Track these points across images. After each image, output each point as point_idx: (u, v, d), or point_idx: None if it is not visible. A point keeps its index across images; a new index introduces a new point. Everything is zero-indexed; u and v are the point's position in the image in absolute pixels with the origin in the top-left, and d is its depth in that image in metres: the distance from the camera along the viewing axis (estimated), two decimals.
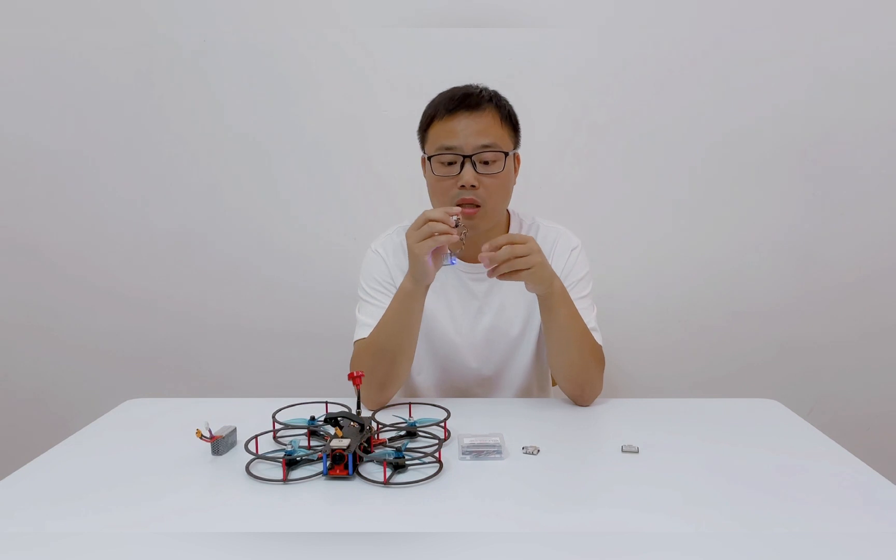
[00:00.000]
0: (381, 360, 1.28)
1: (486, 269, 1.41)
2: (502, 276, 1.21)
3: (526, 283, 1.25)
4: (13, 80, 1.93)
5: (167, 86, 1.93)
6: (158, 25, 1.89)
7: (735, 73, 1.88)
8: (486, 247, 1.20)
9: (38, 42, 1.91)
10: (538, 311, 1.36)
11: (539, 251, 1.22)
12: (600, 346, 1.36)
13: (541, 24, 1.87)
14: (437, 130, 1.32)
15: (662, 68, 1.89)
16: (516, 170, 1.41)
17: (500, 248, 1.19)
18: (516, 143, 1.38)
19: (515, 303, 1.43)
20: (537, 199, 1.48)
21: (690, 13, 1.86)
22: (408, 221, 1.48)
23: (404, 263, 1.44)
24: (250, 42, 1.90)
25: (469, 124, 1.29)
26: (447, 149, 1.30)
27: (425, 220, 1.21)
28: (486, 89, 1.35)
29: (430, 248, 1.21)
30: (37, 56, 1.92)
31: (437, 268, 1.26)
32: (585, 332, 1.32)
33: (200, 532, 0.85)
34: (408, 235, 1.24)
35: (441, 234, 1.19)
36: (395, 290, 1.41)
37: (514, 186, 1.41)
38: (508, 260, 1.19)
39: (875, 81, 1.88)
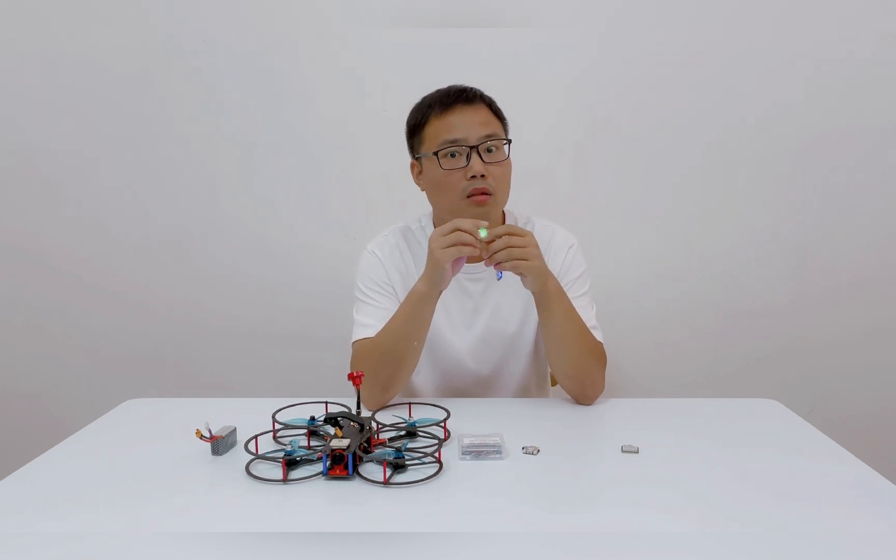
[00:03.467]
0: (387, 362, 1.28)
1: (483, 270, 1.43)
2: (500, 266, 1.22)
3: (522, 279, 1.26)
4: (12, 80, 1.93)
5: (167, 87, 1.93)
6: (156, 26, 1.90)
7: (733, 73, 1.88)
8: (485, 237, 1.22)
9: (36, 42, 1.91)
10: (534, 309, 1.36)
11: (536, 245, 1.24)
12: (601, 344, 1.36)
13: (535, 24, 1.87)
14: (436, 127, 1.33)
15: (660, 68, 1.89)
16: None
17: (500, 237, 1.21)
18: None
19: (511, 302, 1.43)
20: (534, 199, 1.48)
21: (687, 13, 1.86)
22: (403, 223, 1.49)
23: (401, 264, 1.44)
24: (248, 43, 1.90)
25: (469, 116, 1.31)
26: (452, 142, 1.31)
27: (454, 227, 1.22)
28: (473, 87, 1.37)
29: (453, 257, 1.22)
30: (36, 56, 1.92)
31: (455, 273, 1.27)
32: (583, 330, 1.32)
33: (200, 532, 0.85)
34: (432, 240, 1.24)
35: (466, 245, 1.21)
36: (392, 291, 1.41)
37: (512, 183, 1.41)
38: (505, 249, 1.20)
39: (874, 80, 1.88)
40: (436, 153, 1.32)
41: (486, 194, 1.30)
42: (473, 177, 1.29)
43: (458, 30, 1.87)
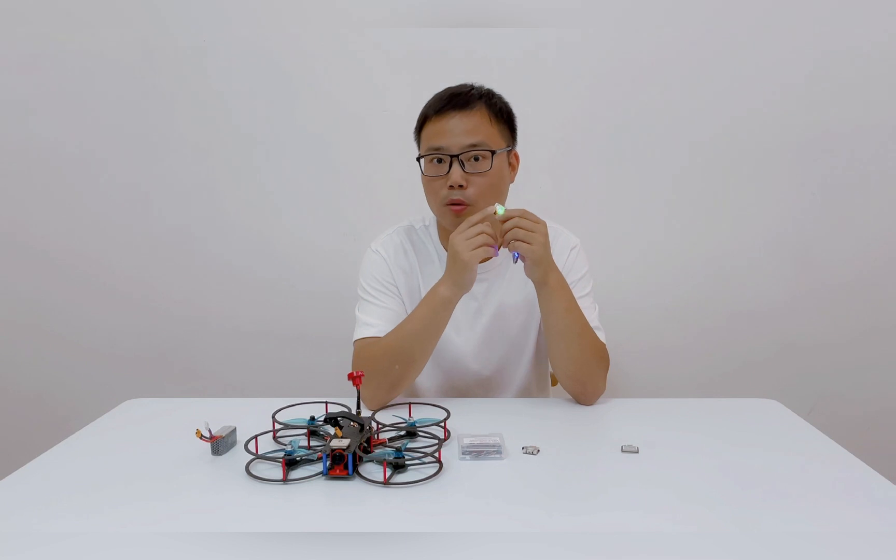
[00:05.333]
0: (398, 363, 1.28)
1: (486, 270, 1.43)
2: (507, 244, 1.24)
3: (525, 266, 1.26)
4: (14, 79, 1.93)
5: (168, 85, 1.93)
6: (161, 23, 1.90)
7: (733, 72, 1.88)
8: (501, 215, 1.24)
9: (38, 41, 1.91)
10: (538, 311, 1.36)
11: (545, 235, 1.24)
12: (603, 345, 1.36)
13: (539, 24, 1.87)
14: (428, 131, 1.33)
15: (659, 67, 1.89)
16: (514, 167, 1.41)
17: (512, 218, 1.23)
18: (511, 142, 1.38)
19: (514, 303, 1.43)
20: (537, 199, 1.48)
21: (686, 12, 1.86)
22: (407, 222, 1.49)
23: (405, 263, 1.44)
24: (250, 41, 1.90)
25: (458, 124, 1.30)
26: (435, 149, 1.31)
27: (479, 230, 1.22)
28: (478, 88, 1.35)
29: (481, 257, 1.23)
30: (37, 55, 1.92)
31: None
32: (585, 327, 1.32)
33: (200, 532, 0.85)
34: (457, 243, 1.23)
35: (490, 245, 1.23)
36: (396, 291, 1.41)
37: (513, 185, 1.41)
38: (513, 228, 1.22)
39: (874, 78, 1.88)
40: (423, 158, 1.34)
41: (463, 205, 1.30)
42: (451, 186, 1.29)
43: (463, 30, 1.86)
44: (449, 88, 1.36)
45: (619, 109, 1.91)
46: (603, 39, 1.88)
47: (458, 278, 1.24)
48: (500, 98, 1.37)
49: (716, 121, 1.91)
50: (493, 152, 1.31)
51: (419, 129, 1.37)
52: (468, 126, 1.30)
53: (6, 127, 1.96)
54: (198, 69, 1.92)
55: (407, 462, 1.00)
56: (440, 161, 1.31)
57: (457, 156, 1.29)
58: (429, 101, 1.36)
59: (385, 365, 1.27)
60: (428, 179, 1.34)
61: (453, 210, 1.31)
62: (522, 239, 1.22)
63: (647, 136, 1.92)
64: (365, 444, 1.05)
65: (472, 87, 1.35)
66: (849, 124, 1.90)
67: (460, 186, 1.29)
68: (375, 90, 1.92)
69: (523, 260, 1.26)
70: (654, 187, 1.95)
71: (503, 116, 1.36)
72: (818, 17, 1.85)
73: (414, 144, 1.42)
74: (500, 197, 1.36)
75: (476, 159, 1.30)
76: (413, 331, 1.29)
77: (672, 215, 1.96)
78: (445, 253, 1.31)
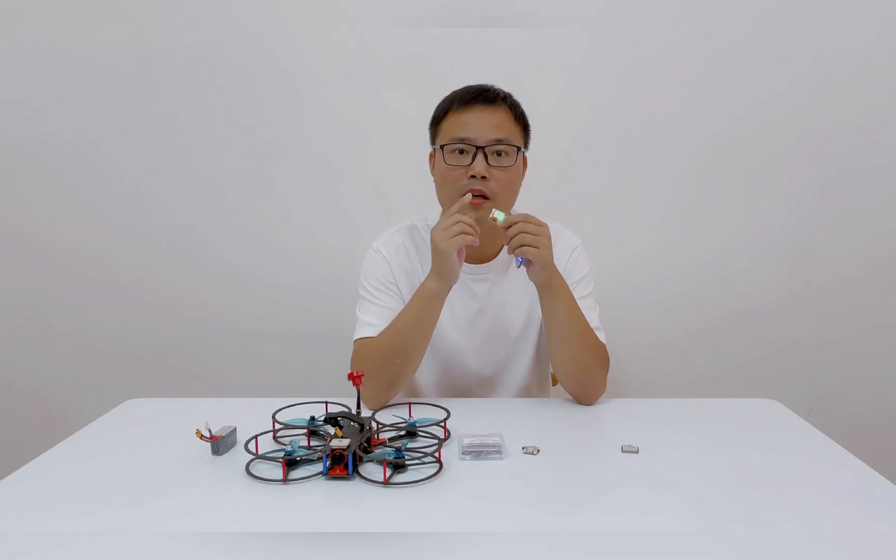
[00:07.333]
0: (394, 360, 1.28)
1: (488, 270, 1.43)
2: (516, 251, 1.24)
3: (528, 269, 1.27)
4: (16, 78, 1.93)
5: (169, 85, 1.93)
6: (165, 21, 1.89)
7: (732, 71, 1.88)
8: (501, 222, 1.24)
9: (41, 41, 1.91)
10: (539, 311, 1.36)
11: (549, 238, 1.25)
12: (604, 346, 1.36)
13: (540, 24, 1.87)
14: (452, 122, 1.33)
15: (660, 65, 1.89)
16: (523, 170, 1.42)
17: (516, 223, 1.23)
18: (526, 144, 1.40)
19: (516, 303, 1.43)
20: (536, 200, 1.48)
21: (684, 11, 1.86)
22: (409, 221, 1.49)
23: (406, 263, 1.44)
24: (252, 41, 1.90)
25: (484, 117, 1.31)
26: (460, 139, 1.31)
27: (457, 220, 1.24)
28: (500, 89, 1.37)
29: (458, 246, 1.23)
30: (40, 55, 1.92)
31: (460, 267, 1.28)
32: (586, 328, 1.32)
33: (200, 532, 0.85)
34: (435, 234, 1.25)
35: (468, 234, 1.23)
36: (397, 291, 1.41)
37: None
38: (518, 234, 1.22)
39: (874, 77, 1.88)
40: (443, 147, 1.33)
41: (484, 198, 1.30)
42: (473, 177, 1.29)
43: (465, 30, 1.86)
44: (470, 85, 1.36)
45: (620, 109, 1.91)
46: (604, 40, 1.88)
47: (441, 269, 1.25)
48: (518, 103, 1.38)
49: (717, 121, 1.91)
50: (518, 148, 1.33)
51: (439, 121, 1.37)
52: (495, 121, 1.32)
53: (7, 126, 1.96)
54: (198, 69, 1.92)
55: (407, 462, 1.00)
56: (462, 152, 1.32)
57: (482, 148, 1.30)
58: (451, 95, 1.37)
59: (381, 363, 1.28)
60: (448, 168, 1.33)
61: (473, 202, 1.30)
62: (531, 244, 1.23)
63: (649, 135, 1.92)
64: (365, 444, 1.05)
65: (496, 87, 1.36)
66: (849, 124, 1.90)
67: (483, 177, 1.29)
68: (376, 90, 1.91)
69: (527, 265, 1.26)
70: (655, 187, 1.95)
71: (521, 120, 1.38)
72: (818, 17, 1.85)
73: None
74: (514, 196, 1.38)
75: (499, 154, 1.31)
76: (405, 326, 1.29)
77: (672, 215, 1.96)
78: None
